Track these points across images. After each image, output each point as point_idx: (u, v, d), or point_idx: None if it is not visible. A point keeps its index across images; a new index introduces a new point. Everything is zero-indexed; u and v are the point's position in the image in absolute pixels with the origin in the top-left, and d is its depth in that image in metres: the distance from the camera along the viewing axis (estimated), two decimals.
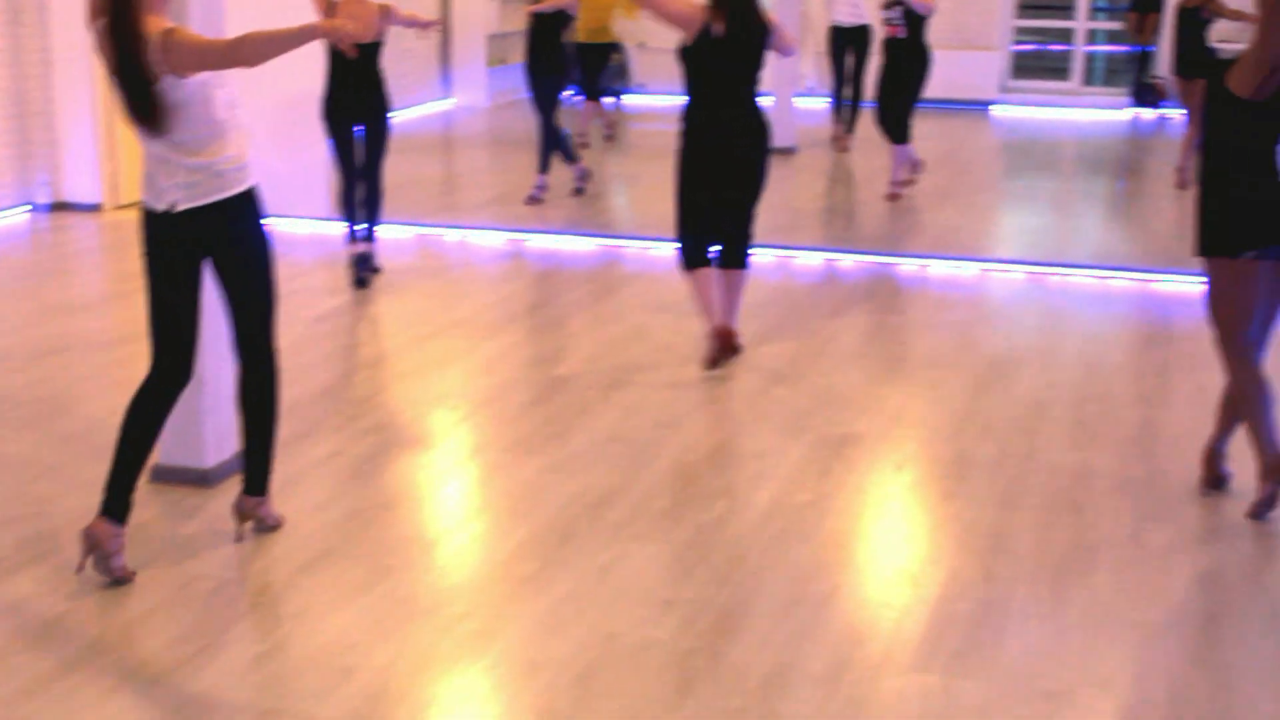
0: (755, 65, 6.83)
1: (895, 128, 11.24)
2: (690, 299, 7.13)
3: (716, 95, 6.79)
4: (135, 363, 7.00)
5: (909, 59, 11.10)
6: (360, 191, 8.59)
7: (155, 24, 4.47)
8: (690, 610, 4.54)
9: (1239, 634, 4.41)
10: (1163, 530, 5.11)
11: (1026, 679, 4.14)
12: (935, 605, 4.58)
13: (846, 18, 13.66)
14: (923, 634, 4.39)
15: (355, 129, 8.50)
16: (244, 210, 4.73)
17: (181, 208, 4.63)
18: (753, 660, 4.23)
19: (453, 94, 17.03)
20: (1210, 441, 5.49)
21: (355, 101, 8.42)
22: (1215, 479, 5.46)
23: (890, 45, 11.13)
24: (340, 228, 8.90)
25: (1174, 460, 5.78)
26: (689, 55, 6.74)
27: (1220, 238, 5.15)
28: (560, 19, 11.19)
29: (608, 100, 14.52)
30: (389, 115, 8.59)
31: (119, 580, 4.66)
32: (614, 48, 13.90)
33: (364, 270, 8.53)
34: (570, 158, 11.47)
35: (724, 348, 6.82)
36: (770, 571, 4.82)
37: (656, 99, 16.37)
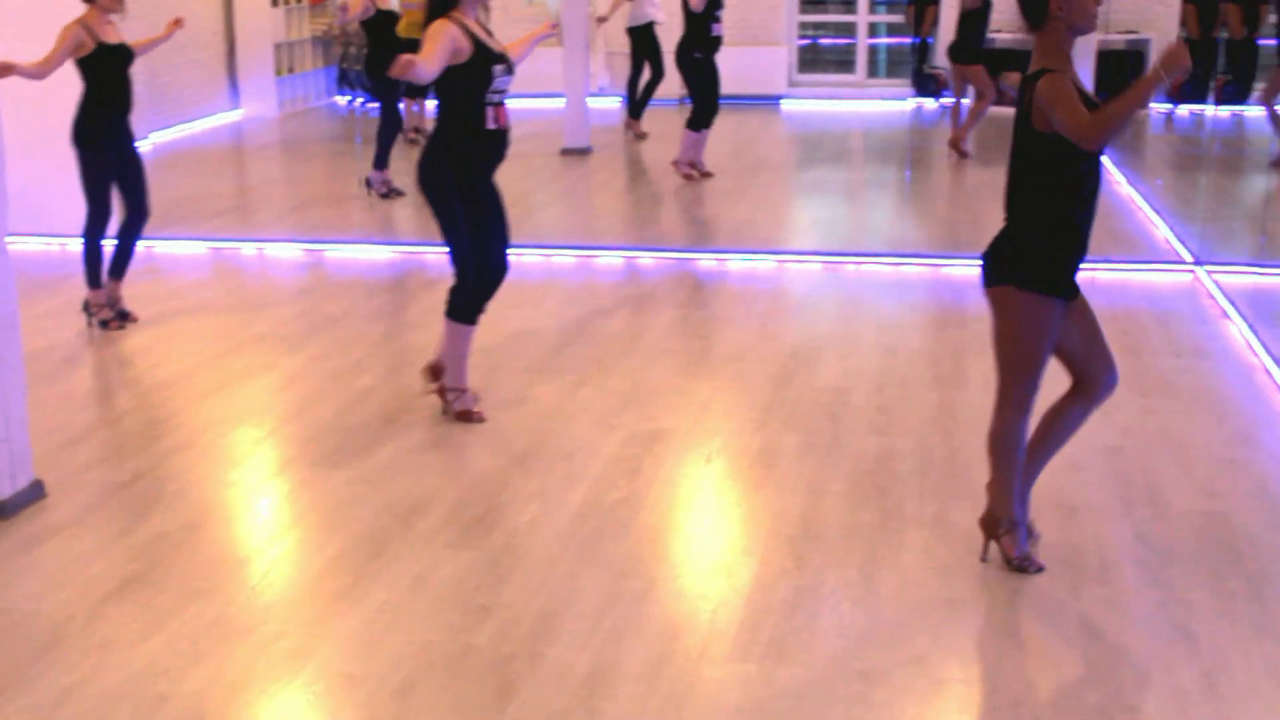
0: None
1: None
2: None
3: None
4: None
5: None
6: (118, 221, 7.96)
7: None
8: (507, 615, 4.54)
9: (1043, 607, 4.57)
10: (965, 508, 5.25)
11: (842, 661, 4.23)
12: (750, 595, 4.65)
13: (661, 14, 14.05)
14: (739, 624, 4.46)
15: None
16: None
17: None
18: (573, 660, 4.25)
19: (241, 105, 16.71)
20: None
21: (115, 129, 7.75)
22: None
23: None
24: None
25: (972, 440, 5.94)
26: None
27: (1056, 276, 4.56)
28: (391, 17, 11.52)
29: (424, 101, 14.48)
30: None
31: None
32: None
33: (109, 314, 7.95)
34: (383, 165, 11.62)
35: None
36: (586, 571, 4.84)
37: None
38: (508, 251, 6.38)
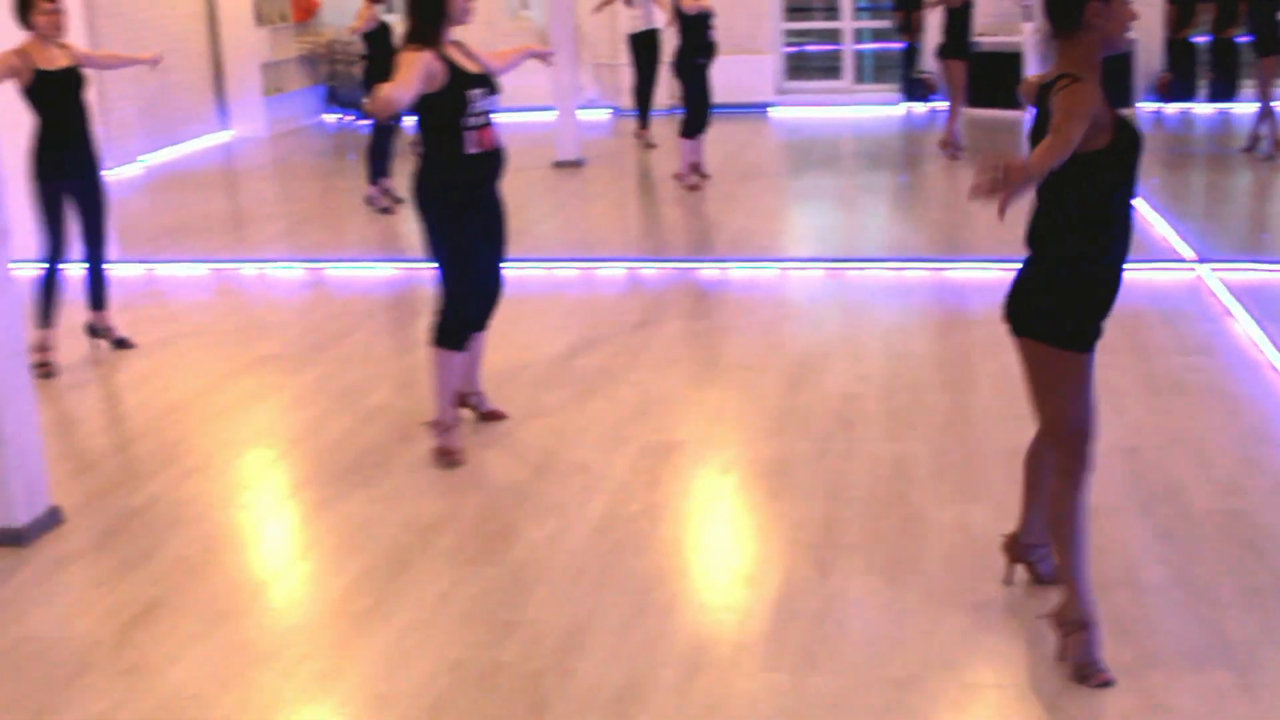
0: None
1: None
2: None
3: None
4: None
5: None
6: (76, 256, 7.78)
7: None
8: (534, 630, 4.53)
9: None
10: (985, 512, 5.26)
11: (874, 668, 4.22)
12: (776, 604, 4.64)
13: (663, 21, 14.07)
14: (768, 633, 4.45)
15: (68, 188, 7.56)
16: None
17: None
18: (604, 675, 4.24)
19: (230, 125, 16.68)
20: (1018, 534, 4.72)
21: (69, 159, 7.51)
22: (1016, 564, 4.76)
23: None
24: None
25: (986, 443, 5.95)
26: None
27: (1089, 332, 4.19)
28: (387, 32, 11.53)
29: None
30: (101, 173, 7.76)
31: None
32: None
33: (102, 337, 7.97)
34: (381, 174, 11.71)
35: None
36: (610, 585, 4.83)
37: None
38: (500, 271, 6.28)
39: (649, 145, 14.44)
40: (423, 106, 5.88)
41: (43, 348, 7.51)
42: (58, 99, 7.43)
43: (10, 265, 5.34)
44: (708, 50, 11.97)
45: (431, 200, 5.99)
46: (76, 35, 7.98)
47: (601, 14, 14.55)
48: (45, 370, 7.44)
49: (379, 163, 11.68)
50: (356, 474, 5.95)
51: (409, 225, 11.29)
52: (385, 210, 11.60)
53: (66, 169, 7.50)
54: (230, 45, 16.49)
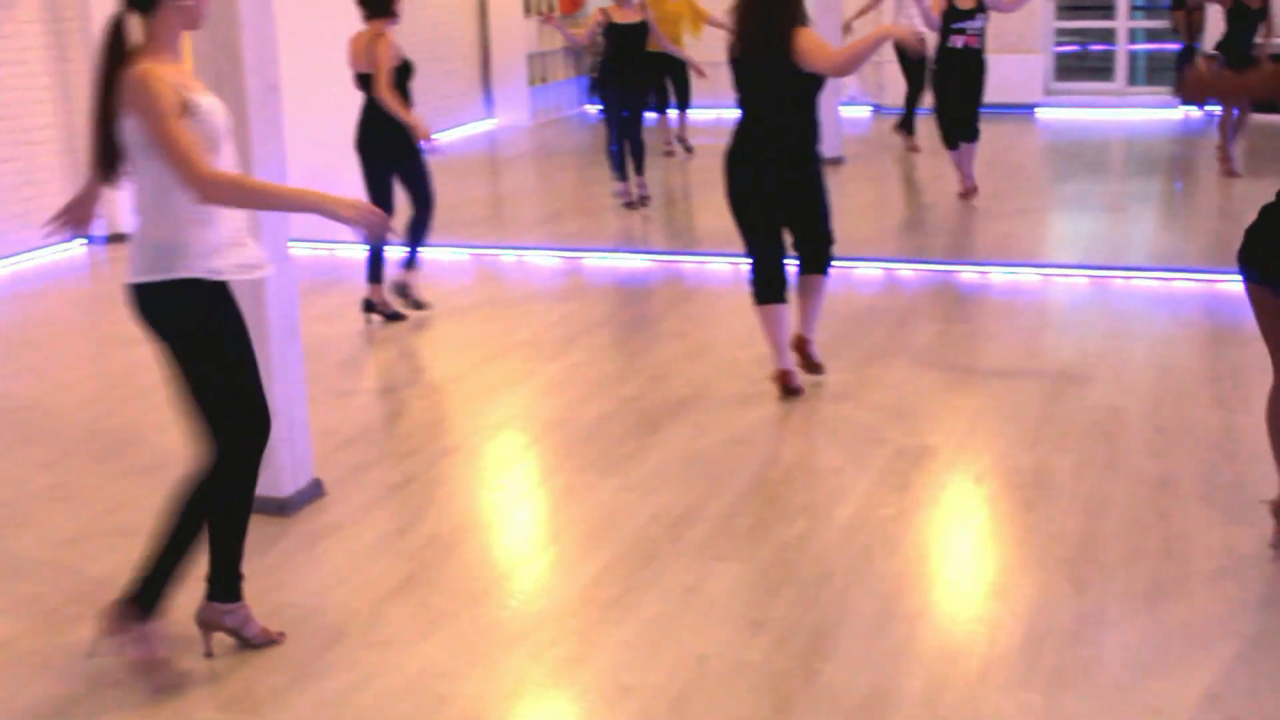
0: (779, 78, 6.48)
1: (974, 129, 11.58)
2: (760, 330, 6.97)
3: (751, 110, 6.66)
4: None
5: (980, 66, 11.47)
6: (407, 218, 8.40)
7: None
8: (780, 630, 4.49)
9: None
10: (1254, 538, 5.02)
11: (1130, 693, 4.06)
12: (1028, 619, 4.51)
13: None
14: (1019, 649, 4.32)
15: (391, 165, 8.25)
16: (158, 301, 4.10)
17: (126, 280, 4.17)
18: (849, 680, 4.17)
19: (495, 114, 17.03)
20: None
21: (389, 137, 8.11)
22: None
23: (963, 54, 11.34)
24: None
25: (1258, 465, 5.68)
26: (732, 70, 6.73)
27: None
28: (642, 31, 11.51)
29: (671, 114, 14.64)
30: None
31: (251, 644, 4.45)
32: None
33: (403, 298, 8.45)
34: (625, 174, 11.80)
35: (787, 390, 6.74)
36: (858, 589, 4.76)
37: (711, 112, 16.29)
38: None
39: (912, 148, 14.21)
40: (811, 82, 6.49)
41: (381, 302, 8.37)
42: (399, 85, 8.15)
43: (289, 244, 5.52)
44: (942, 57, 11.44)
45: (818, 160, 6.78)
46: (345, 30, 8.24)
47: (866, 14, 14.36)
48: (406, 305, 8.40)
49: (621, 161, 11.79)
50: (606, 463, 6.00)
51: (662, 219, 11.39)
52: (630, 205, 11.70)
53: (389, 149, 8.16)
54: (499, 35, 16.85)
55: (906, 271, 9.28)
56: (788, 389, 6.73)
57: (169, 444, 6.19)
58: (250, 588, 4.60)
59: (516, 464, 6.13)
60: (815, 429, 6.38)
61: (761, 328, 6.87)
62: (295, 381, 5.55)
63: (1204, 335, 7.73)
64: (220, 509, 4.26)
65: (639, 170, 11.81)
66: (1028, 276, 9.01)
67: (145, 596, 4.20)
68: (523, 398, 6.96)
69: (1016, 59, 16.96)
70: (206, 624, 4.38)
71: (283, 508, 5.48)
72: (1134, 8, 18.10)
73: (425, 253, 8.63)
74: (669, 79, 14.03)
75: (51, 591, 4.93)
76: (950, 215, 11.17)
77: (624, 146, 11.75)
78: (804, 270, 6.93)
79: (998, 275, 9.07)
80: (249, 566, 4.51)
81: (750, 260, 6.79)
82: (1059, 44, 18.05)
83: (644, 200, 11.77)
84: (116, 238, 10.79)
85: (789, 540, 5.16)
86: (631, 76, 11.49)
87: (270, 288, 5.34)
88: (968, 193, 11.55)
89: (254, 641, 4.42)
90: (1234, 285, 8.25)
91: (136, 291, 4.09)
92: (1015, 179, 12.78)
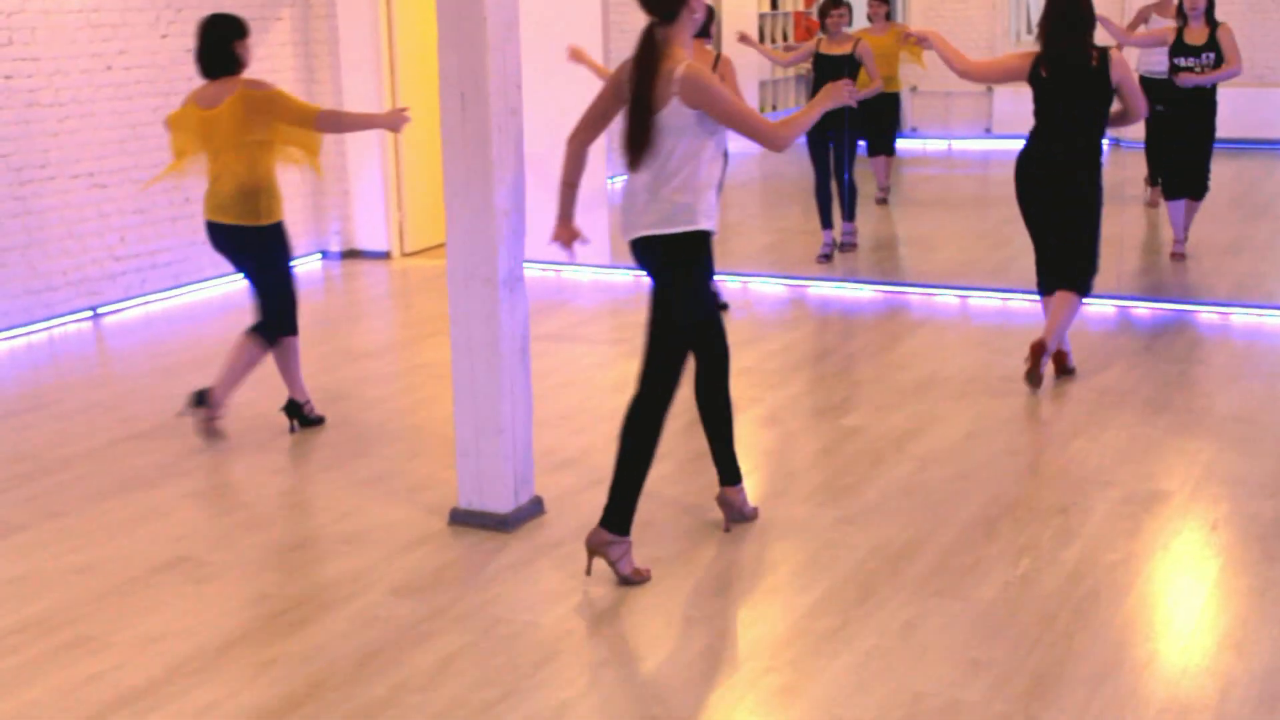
0: (1077, 103, 7.17)
1: (1202, 181, 10.38)
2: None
3: (1043, 130, 7.30)
4: (430, 407, 7.19)
5: (1211, 109, 10.22)
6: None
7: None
8: (1000, 672, 4.37)
9: None
10: None
11: None
12: (1264, 677, 4.31)
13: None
14: (1254, 706, 4.14)
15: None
16: (674, 248, 5.06)
17: (630, 236, 5.13)
18: None
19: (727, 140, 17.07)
20: None
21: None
22: None
23: (1194, 95, 10.08)
24: None
25: None
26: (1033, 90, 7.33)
27: None
28: (851, 65, 10.84)
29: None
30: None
31: (628, 581, 5.06)
32: (897, 97, 13.06)
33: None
34: (829, 220, 10.97)
35: (1032, 366, 7.20)
36: (1083, 634, 4.62)
37: (929, 143, 16.13)
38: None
39: (1153, 183, 13.72)
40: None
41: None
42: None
43: (524, 263, 5.61)
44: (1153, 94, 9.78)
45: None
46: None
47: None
48: None
49: (825, 206, 10.93)
50: (826, 494, 5.94)
51: (888, 251, 11.26)
52: (829, 256, 10.83)
53: None
54: (733, 62, 16.86)
55: (1141, 310, 9.00)
56: (1035, 364, 7.19)
57: (397, 455, 6.33)
58: (468, 600, 4.66)
59: None
60: (1043, 467, 6.22)
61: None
62: (523, 401, 5.62)
63: None
64: (653, 431, 5.10)
65: (848, 216, 11.13)
66: (1271, 319, 8.66)
67: (616, 519, 5.05)
68: (744, 424, 6.93)
69: (1268, 92, 16.36)
70: (593, 547, 5.06)
71: (504, 524, 5.55)
72: None
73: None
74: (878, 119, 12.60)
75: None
76: (1191, 253, 10.76)
77: (829, 189, 10.90)
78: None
79: (1239, 316, 8.75)
80: (471, 579, 4.57)
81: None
82: None
83: (847, 248, 11.11)
84: (351, 253, 11.11)
85: (1011, 580, 5.04)
86: (836, 113, 10.42)
87: (503, 307, 5.43)
88: (1175, 255, 10.49)
89: (627, 576, 5.06)
90: None
91: (652, 241, 5.05)
92: (1261, 218, 12.32)
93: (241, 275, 6.92)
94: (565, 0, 10.35)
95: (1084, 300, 7.43)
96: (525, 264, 5.66)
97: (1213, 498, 5.81)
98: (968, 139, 15.61)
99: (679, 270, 5.07)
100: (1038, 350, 7.19)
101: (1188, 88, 9.96)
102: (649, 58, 4.95)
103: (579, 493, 5.99)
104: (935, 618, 4.76)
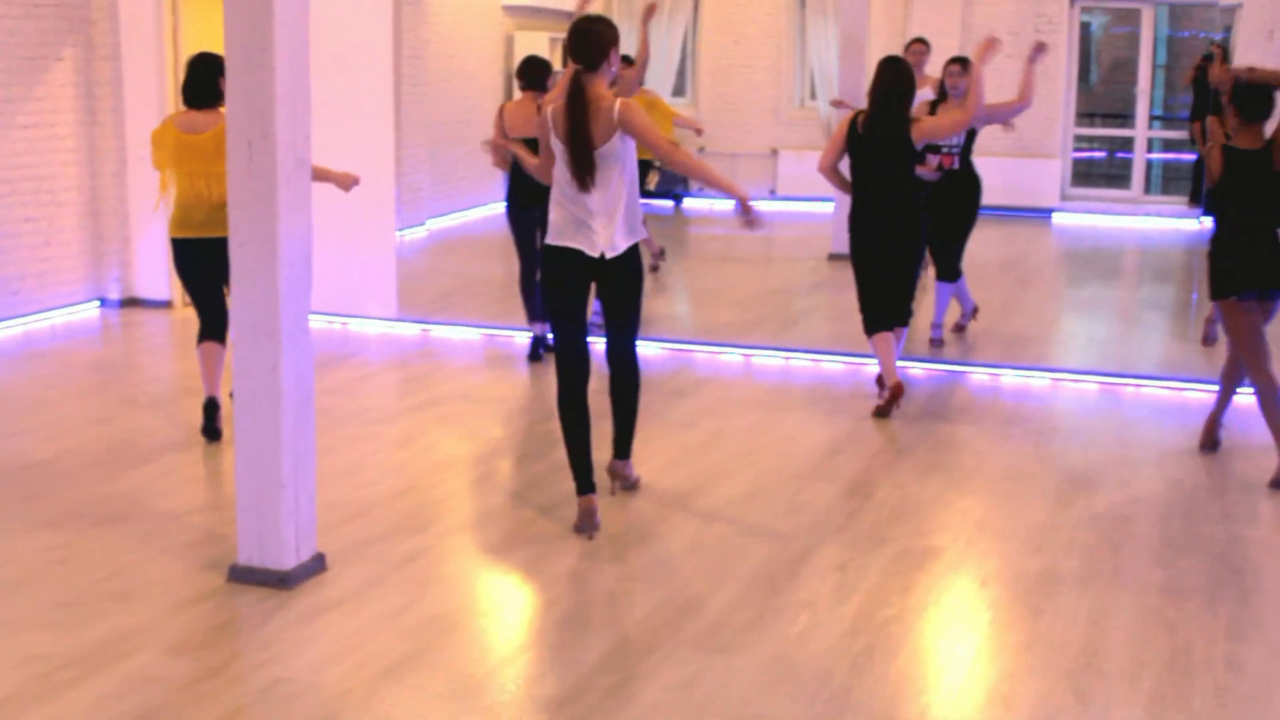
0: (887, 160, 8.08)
1: (953, 265, 9.98)
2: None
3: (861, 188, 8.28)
4: (212, 460, 7.04)
5: (968, 188, 9.78)
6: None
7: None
8: None
9: None
10: (1261, 654, 4.99)
11: None
12: None
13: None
14: None
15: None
16: (632, 254, 6.17)
17: (613, 254, 6.05)
18: None
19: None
20: (1213, 412, 7.55)
21: (533, 196, 8.27)
22: (1212, 443, 7.51)
23: (943, 179, 9.41)
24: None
25: (1267, 581, 5.66)
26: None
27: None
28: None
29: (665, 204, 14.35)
30: None
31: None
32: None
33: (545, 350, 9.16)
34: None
35: (894, 399, 8.07)
36: (858, 690, 4.72)
37: (715, 202, 16.40)
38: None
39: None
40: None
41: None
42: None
43: (308, 315, 5.55)
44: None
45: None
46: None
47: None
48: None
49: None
50: (614, 550, 5.98)
51: (676, 307, 11.39)
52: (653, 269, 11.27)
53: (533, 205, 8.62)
54: None
55: (916, 370, 9.28)
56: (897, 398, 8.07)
57: (173, 509, 6.18)
58: (246, 659, 4.56)
59: (521, 548, 6.08)
60: (821, 525, 6.36)
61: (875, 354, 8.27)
62: (306, 453, 5.54)
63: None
64: (637, 390, 6.45)
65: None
66: (1038, 380, 9.01)
67: (622, 448, 6.50)
68: (527, 481, 6.95)
69: (1034, 163, 17.09)
70: (613, 472, 6.54)
71: (284, 580, 5.45)
72: (1152, 117, 18.25)
73: (437, 330, 8.63)
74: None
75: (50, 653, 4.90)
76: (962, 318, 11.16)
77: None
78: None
79: (1008, 378, 9.08)
80: (243, 639, 4.47)
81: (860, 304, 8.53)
82: (1077, 150, 18.19)
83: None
84: (131, 301, 10.85)
85: (790, 636, 5.13)
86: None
87: (286, 359, 5.36)
88: (959, 327, 10.44)
89: (634, 484, 6.67)
90: (1245, 397, 8.24)
91: (626, 251, 6.07)
92: (1029, 283, 12.81)
93: (196, 288, 7.46)
94: (357, 51, 10.28)
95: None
96: (311, 315, 5.60)
97: (983, 554, 6.01)
98: (753, 200, 15.79)
99: (636, 277, 6.20)
100: (896, 392, 8.04)
101: (932, 178, 9.11)
102: (579, 99, 5.90)
103: (364, 547, 5.91)
104: (717, 673, 4.82)
